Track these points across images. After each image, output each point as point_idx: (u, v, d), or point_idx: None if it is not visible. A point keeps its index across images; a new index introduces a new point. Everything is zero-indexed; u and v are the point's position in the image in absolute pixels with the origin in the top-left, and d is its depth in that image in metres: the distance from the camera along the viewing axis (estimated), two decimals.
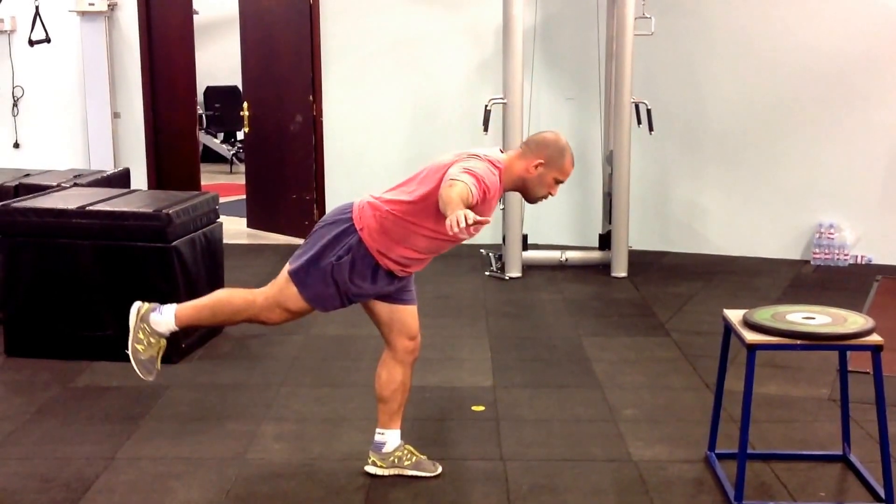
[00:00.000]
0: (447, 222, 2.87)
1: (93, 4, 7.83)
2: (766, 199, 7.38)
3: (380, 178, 7.78)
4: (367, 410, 4.01)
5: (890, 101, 7.07)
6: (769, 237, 7.39)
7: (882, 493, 3.45)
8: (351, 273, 3.35)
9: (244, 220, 8.42)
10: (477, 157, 3.28)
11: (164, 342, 3.57)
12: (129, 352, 3.51)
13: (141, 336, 3.52)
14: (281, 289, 3.44)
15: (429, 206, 3.24)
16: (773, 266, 7.15)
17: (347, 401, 4.43)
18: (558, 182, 3.38)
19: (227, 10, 9.96)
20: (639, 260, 7.07)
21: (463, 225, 2.82)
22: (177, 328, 3.54)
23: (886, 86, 7.06)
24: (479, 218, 2.85)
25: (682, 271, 7.00)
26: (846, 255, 7.14)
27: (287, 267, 3.45)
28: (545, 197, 3.42)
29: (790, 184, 7.31)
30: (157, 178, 8.15)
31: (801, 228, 7.32)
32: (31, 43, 6.76)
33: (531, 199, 3.44)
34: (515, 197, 6.70)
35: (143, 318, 3.53)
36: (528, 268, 6.95)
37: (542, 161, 3.34)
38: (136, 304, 3.58)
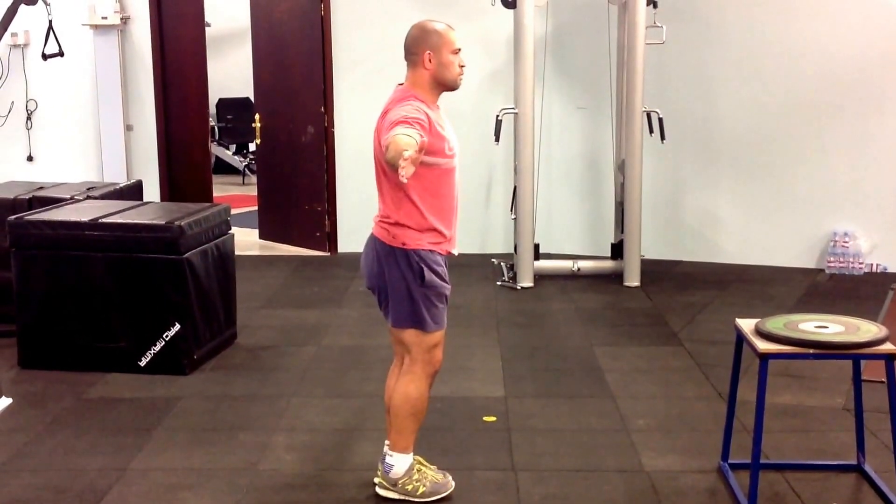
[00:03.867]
0: (400, 174, 2.90)
1: (106, 18, 7.88)
2: (780, 207, 7.35)
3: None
4: (379, 421, 4.00)
5: None
6: (783, 246, 7.36)
7: None
8: (440, 276, 3.41)
9: (256, 232, 8.43)
10: (386, 111, 3.33)
11: (419, 466, 3.56)
12: (426, 499, 3.51)
13: (409, 489, 3.51)
14: (414, 343, 3.45)
15: (411, 178, 3.24)
16: (787, 275, 7.12)
17: (359, 411, 4.43)
18: (456, 53, 3.41)
19: (239, 22, 10.01)
20: (651, 269, 7.05)
21: (403, 164, 2.86)
22: (412, 454, 3.54)
23: None
24: (413, 153, 2.90)
25: (696, 280, 6.98)
26: (861, 263, 7.11)
27: (393, 327, 3.48)
28: (460, 75, 3.45)
29: (804, 192, 7.28)
30: (170, 190, 8.17)
31: (816, 237, 7.29)
32: (45, 57, 6.79)
33: (451, 85, 3.46)
34: (526, 207, 6.70)
35: (392, 483, 3.53)
36: (540, 277, 6.93)
37: (429, 51, 3.37)
38: (376, 482, 3.58)
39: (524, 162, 6.72)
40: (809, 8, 7.14)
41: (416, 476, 3.54)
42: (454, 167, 3.43)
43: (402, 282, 3.39)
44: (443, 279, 3.43)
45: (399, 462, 3.54)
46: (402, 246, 3.37)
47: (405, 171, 2.88)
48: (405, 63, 3.45)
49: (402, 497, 3.54)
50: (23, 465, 3.87)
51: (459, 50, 3.42)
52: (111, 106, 8.04)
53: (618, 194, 7.15)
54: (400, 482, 3.54)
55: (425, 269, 3.37)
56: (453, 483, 3.62)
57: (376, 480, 3.64)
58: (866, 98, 7.08)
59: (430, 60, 3.37)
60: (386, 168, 3.32)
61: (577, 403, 4.57)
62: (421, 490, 3.53)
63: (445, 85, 3.44)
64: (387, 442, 3.63)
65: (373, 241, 3.47)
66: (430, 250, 3.39)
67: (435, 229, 3.39)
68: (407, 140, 2.99)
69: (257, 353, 5.33)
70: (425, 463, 3.67)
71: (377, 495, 3.59)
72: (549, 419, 4.37)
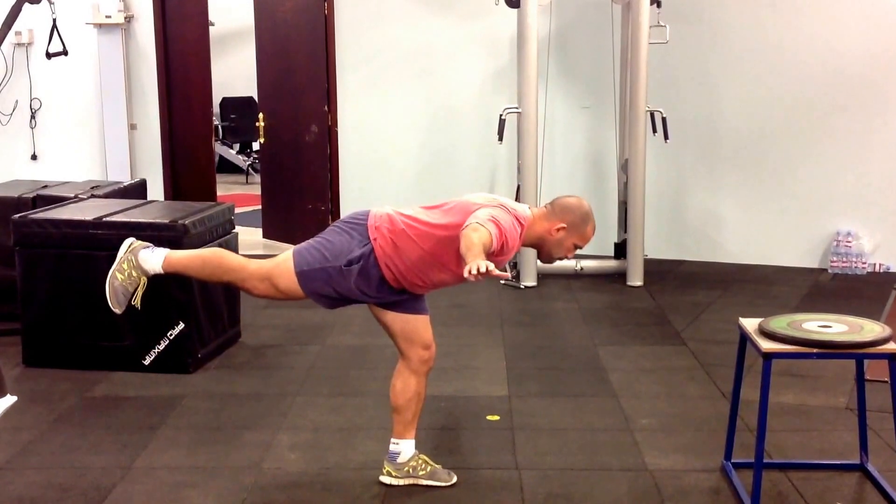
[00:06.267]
0: (466, 267, 2.88)
1: (110, 17, 7.90)
2: (784, 207, 7.35)
3: (395, 188, 7.86)
4: (383, 420, 4.01)
5: None
6: (786, 245, 7.36)
7: None
8: (357, 280, 3.36)
9: (260, 231, 8.45)
10: (505, 208, 3.32)
11: (144, 280, 3.50)
12: (108, 278, 3.48)
13: (125, 266, 3.48)
14: (278, 264, 3.42)
15: (447, 238, 3.27)
16: (790, 275, 7.12)
17: (363, 410, 4.44)
18: (577, 247, 3.44)
19: (242, 21, 10.00)
20: (655, 269, 7.05)
21: (483, 271, 2.84)
22: (162, 271, 3.49)
23: None
24: (497, 272, 2.88)
25: (699, 280, 6.98)
26: (864, 263, 7.11)
27: (294, 248, 3.45)
28: (561, 259, 3.48)
29: (807, 192, 7.28)
30: (174, 188, 8.18)
31: (819, 237, 7.29)
32: (49, 55, 6.81)
33: (547, 259, 3.50)
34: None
35: (133, 251, 3.50)
36: (544, 276, 6.94)
37: (564, 226, 3.39)
38: (130, 238, 3.56)
39: (527, 161, 6.72)
40: (813, 7, 7.14)
41: (418, 462, 3.65)
42: (466, 281, 3.33)
43: (338, 245, 3.35)
44: (357, 286, 3.35)
45: (405, 448, 3.61)
46: (372, 240, 3.34)
47: (470, 273, 2.85)
48: (546, 206, 3.46)
49: (409, 481, 3.62)
50: (27, 463, 3.87)
51: (581, 248, 3.46)
52: (115, 105, 8.05)
53: (621, 194, 7.16)
54: (407, 467, 3.62)
55: (358, 266, 3.33)
56: (456, 477, 3.68)
57: (382, 478, 3.66)
58: (870, 98, 7.08)
59: (557, 231, 3.39)
60: (449, 217, 3.31)
61: (580, 402, 4.57)
62: (421, 473, 3.65)
63: (543, 252, 3.47)
64: (392, 439, 3.64)
65: (364, 212, 3.44)
66: (380, 266, 3.35)
67: (403, 268, 3.35)
68: (489, 249, 3.02)
69: (261, 352, 5.34)
70: (430, 461, 3.69)
71: (381, 493, 3.60)
72: (553, 418, 4.37)
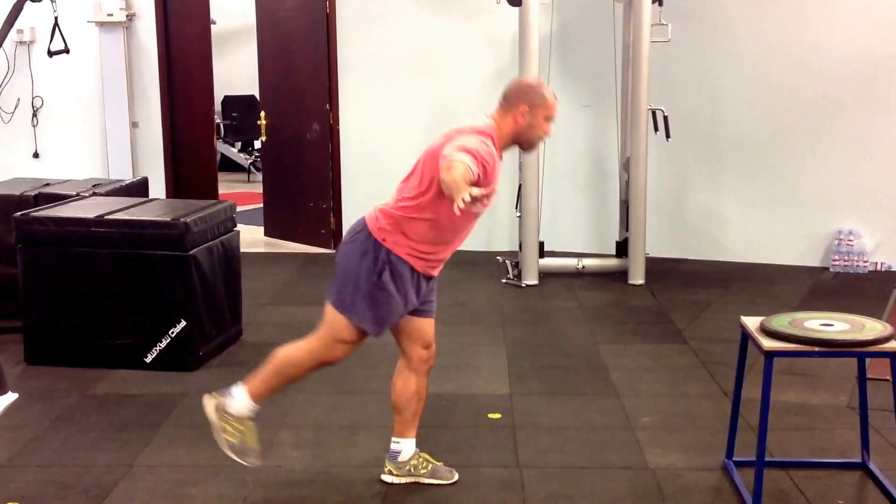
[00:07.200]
0: (454, 205, 2.90)
1: (111, 15, 7.90)
2: (785, 205, 7.35)
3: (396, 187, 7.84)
4: (384, 418, 4.01)
5: None
6: (788, 244, 7.36)
7: None
8: (397, 286, 3.36)
9: (261, 229, 8.45)
10: (465, 132, 3.29)
11: (250, 423, 3.51)
12: (225, 449, 3.46)
13: (228, 428, 3.47)
14: (331, 324, 3.44)
15: (437, 194, 3.26)
16: (791, 273, 7.11)
17: (364, 408, 4.44)
18: (549, 119, 3.42)
19: (244, 19, 10.02)
20: (656, 267, 7.05)
21: (468, 199, 2.85)
22: (257, 405, 3.51)
23: None
24: (483, 191, 2.90)
25: (700, 278, 6.98)
26: (865, 262, 7.10)
27: (328, 300, 3.45)
28: (541, 139, 3.46)
29: (809, 190, 7.28)
30: (175, 187, 8.19)
31: (821, 235, 7.28)
32: (51, 54, 6.82)
33: (529, 146, 3.49)
34: (531, 205, 6.71)
35: (223, 410, 3.48)
36: (545, 275, 6.94)
37: (526, 108, 3.37)
38: (206, 399, 3.53)
39: (529, 159, 6.72)
40: (816, 7, 7.13)
41: (419, 460, 3.65)
42: (480, 213, 3.36)
43: (358, 267, 3.36)
44: (400, 293, 3.37)
45: (406, 447, 3.61)
46: (382, 241, 3.35)
47: (462, 206, 2.87)
48: (500, 104, 3.45)
49: (410, 479, 3.63)
50: (29, 461, 3.88)
51: (553, 119, 3.43)
52: (117, 103, 8.06)
53: (622, 192, 7.15)
54: (408, 466, 3.62)
55: (387, 271, 3.34)
56: (457, 475, 3.68)
57: (383, 476, 3.67)
58: (871, 97, 7.08)
59: (523, 116, 3.37)
60: (426, 175, 3.30)
61: (581, 401, 4.57)
62: (422, 471, 3.65)
63: (524, 143, 3.46)
64: (393, 438, 3.64)
65: (359, 223, 3.44)
66: (405, 260, 3.36)
67: (424, 248, 3.37)
68: (470, 176, 3.00)
69: (263, 350, 5.26)
70: (431, 459, 3.69)
71: (383, 492, 3.60)
72: (554, 416, 4.37)
